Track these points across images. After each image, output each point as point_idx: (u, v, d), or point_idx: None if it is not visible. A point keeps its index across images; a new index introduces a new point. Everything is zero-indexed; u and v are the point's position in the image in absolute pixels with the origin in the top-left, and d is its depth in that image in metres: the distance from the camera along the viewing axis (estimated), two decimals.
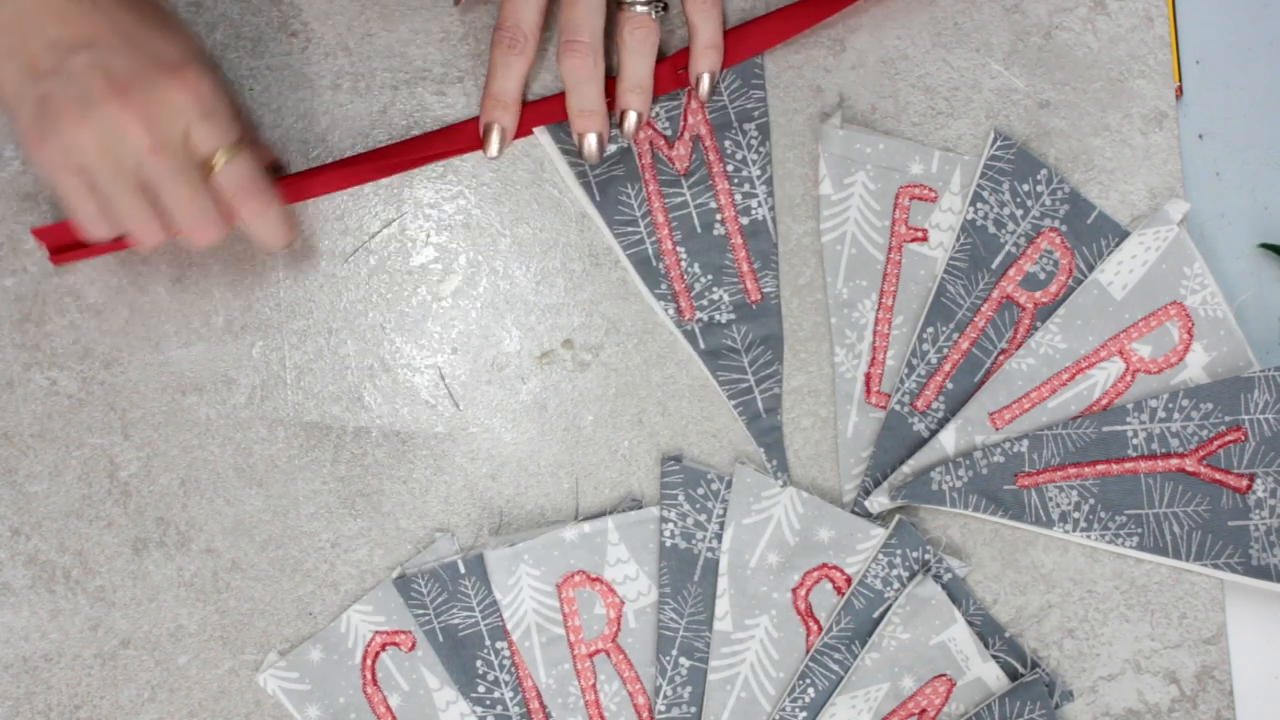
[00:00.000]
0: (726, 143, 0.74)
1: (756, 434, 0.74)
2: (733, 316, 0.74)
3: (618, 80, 0.72)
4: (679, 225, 0.74)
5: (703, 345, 0.74)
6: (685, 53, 0.74)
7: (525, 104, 0.74)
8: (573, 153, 0.74)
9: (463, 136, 0.74)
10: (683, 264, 0.74)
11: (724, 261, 0.74)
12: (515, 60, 0.72)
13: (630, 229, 0.74)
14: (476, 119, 0.74)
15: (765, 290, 0.74)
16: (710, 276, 0.74)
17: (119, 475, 0.73)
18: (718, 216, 0.74)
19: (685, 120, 0.75)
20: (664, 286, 0.74)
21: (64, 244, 0.72)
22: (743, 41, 0.75)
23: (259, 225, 0.67)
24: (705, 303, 0.74)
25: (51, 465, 0.73)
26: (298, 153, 0.74)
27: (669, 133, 0.75)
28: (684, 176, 0.74)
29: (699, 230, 0.74)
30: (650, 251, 0.74)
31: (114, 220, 0.65)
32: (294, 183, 0.73)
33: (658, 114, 0.75)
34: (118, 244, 0.71)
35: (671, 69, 0.74)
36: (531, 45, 0.72)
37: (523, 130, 0.74)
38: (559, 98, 0.74)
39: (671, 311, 0.74)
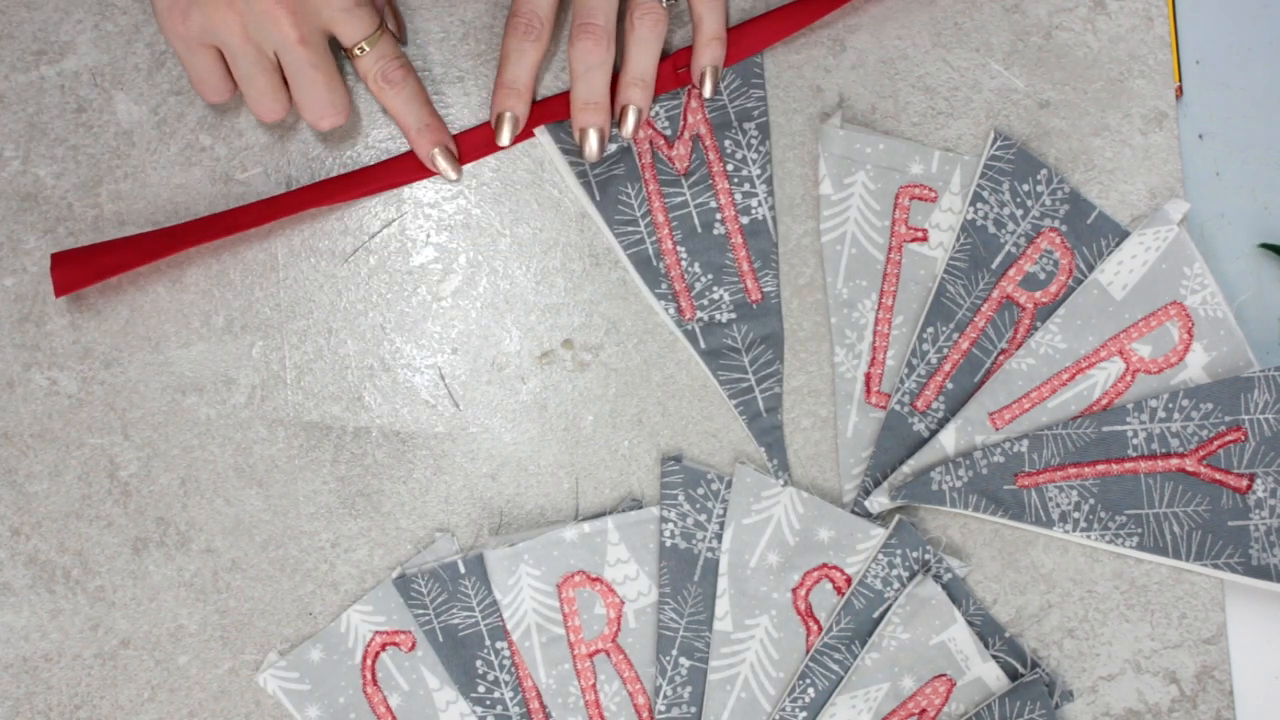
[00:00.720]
0: (726, 142, 0.74)
1: (757, 433, 0.74)
2: (733, 316, 0.74)
3: (621, 72, 0.72)
4: (679, 225, 0.74)
5: (703, 345, 0.74)
6: (685, 52, 0.74)
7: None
8: (573, 152, 0.74)
9: (466, 145, 0.75)
10: (683, 263, 0.74)
11: (724, 261, 0.74)
12: (530, 47, 0.72)
13: (630, 228, 0.74)
14: (472, 130, 0.74)
15: (766, 289, 0.74)
16: (710, 276, 0.74)
17: (119, 475, 0.73)
18: (718, 216, 0.74)
19: (685, 120, 0.75)
20: (664, 286, 0.74)
21: (76, 275, 0.72)
22: (742, 40, 0.75)
23: (399, 105, 0.72)
24: (706, 302, 0.74)
25: (51, 465, 0.73)
26: (298, 153, 0.74)
27: (669, 132, 0.75)
28: (684, 176, 0.74)
29: (699, 230, 0.74)
30: (650, 251, 0.74)
31: (247, 96, 0.70)
32: (291, 199, 0.73)
33: (657, 113, 0.75)
34: (122, 266, 0.71)
35: (671, 68, 0.74)
36: (546, 32, 0.72)
37: (524, 131, 0.74)
38: (560, 98, 0.74)
39: (672, 311, 0.74)
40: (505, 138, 0.73)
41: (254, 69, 0.69)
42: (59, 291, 0.71)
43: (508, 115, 0.73)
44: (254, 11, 0.67)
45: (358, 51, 0.70)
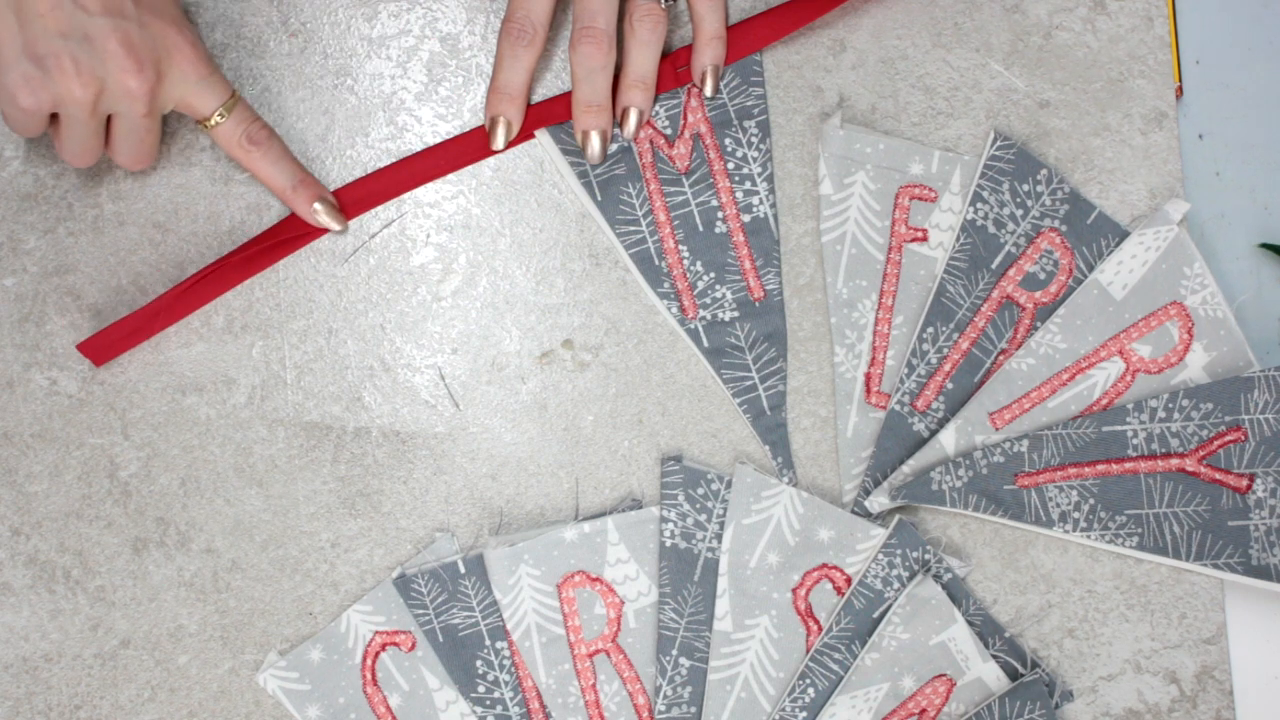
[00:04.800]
0: (727, 140, 0.74)
1: (761, 431, 0.74)
2: (736, 314, 0.74)
3: (622, 74, 0.72)
4: (681, 224, 0.74)
5: (706, 344, 0.74)
6: (685, 51, 0.74)
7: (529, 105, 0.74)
8: (574, 153, 0.74)
9: (468, 146, 0.75)
10: (685, 262, 0.74)
11: (726, 259, 0.74)
12: (524, 52, 0.72)
13: (632, 228, 0.74)
14: (468, 133, 0.74)
15: (768, 287, 0.74)
16: (713, 274, 0.74)
17: (119, 475, 0.73)
18: (719, 214, 0.74)
19: (685, 119, 0.75)
20: (666, 285, 0.74)
21: (106, 350, 0.72)
22: (741, 39, 0.75)
23: (266, 168, 0.71)
24: (708, 301, 0.74)
25: (51, 465, 0.73)
26: (298, 152, 0.74)
27: (669, 131, 0.75)
28: (685, 175, 0.74)
29: (701, 228, 0.74)
30: (652, 250, 0.74)
31: (64, 148, 0.67)
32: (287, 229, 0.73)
33: (657, 113, 0.75)
34: (156, 326, 0.72)
35: (670, 68, 0.74)
36: (540, 38, 0.71)
37: (525, 133, 0.74)
38: (560, 99, 0.74)
39: (674, 310, 0.74)
40: (499, 142, 0.73)
41: (85, 130, 0.66)
42: (99, 361, 0.72)
43: (501, 120, 0.73)
44: (112, 92, 0.65)
45: (216, 119, 0.69)
